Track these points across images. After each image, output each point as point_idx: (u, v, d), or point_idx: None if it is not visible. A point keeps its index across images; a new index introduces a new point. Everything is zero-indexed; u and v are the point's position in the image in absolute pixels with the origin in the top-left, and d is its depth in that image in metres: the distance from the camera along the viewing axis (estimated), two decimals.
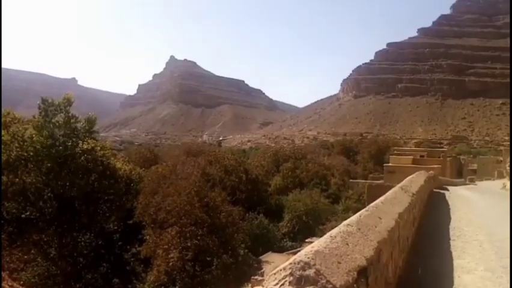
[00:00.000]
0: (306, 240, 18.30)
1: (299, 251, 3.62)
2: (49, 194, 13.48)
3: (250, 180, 23.81)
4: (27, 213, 13.06)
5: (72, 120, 13.74)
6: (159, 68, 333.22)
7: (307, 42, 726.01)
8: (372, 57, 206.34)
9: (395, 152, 43.19)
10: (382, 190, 9.17)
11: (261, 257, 16.90)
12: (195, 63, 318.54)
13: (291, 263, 2.06)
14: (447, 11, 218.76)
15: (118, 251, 14.99)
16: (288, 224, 22.09)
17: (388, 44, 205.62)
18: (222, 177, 21.79)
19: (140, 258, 14.07)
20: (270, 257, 16.95)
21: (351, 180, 37.11)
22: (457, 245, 7.83)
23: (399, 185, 8.76)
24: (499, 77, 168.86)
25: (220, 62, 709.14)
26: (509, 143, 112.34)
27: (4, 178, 12.51)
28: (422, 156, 39.08)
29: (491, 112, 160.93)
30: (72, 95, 14.23)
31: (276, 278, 1.98)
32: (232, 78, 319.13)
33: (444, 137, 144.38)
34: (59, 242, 13.49)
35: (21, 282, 12.19)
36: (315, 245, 2.48)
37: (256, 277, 14.14)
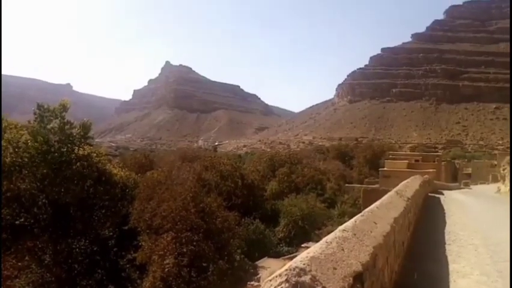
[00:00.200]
0: (302, 245, 18.32)
1: (295, 256, 3.62)
2: (44, 200, 13.40)
3: (246, 185, 23.77)
4: (22, 219, 12.95)
5: (67, 127, 13.68)
6: (154, 73, 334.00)
7: (302, 47, 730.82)
8: (367, 62, 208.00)
9: (390, 156, 43.48)
10: (377, 194, 9.21)
11: (257, 262, 16.85)
12: (190, 68, 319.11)
13: (286, 269, 2.06)
14: (440, 16, 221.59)
15: (113, 258, 14.87)
16: (284, 229, 22.07)
17: (382, 49, 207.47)
18: (218, 182, 21.75)
19: (135, 265, 13.97)
20: (266, 262, 16.91)
21: (346, 184, 37.25)
22: (452, 250, 7.88)
23: (395, 189, 8.79)
24: (492, 82, 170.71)
25: (216, 67, 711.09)
26: (503, 147, 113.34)
27: None
28: (417, 160, 39.38)
29: (485, 116, 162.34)
30: (68, 101, 14.20)
31: (272, 285, 1.98)
32: (228, 84, 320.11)
33: (439, 142, 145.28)
34: (53, 249, 13.38)
35: None
36: (311, 250, 2.50)
37: (252, 283, 14.11)
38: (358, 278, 2.50)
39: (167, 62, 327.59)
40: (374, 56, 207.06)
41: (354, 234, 3.25)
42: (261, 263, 16.88)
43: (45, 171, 13.44)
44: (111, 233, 15.40)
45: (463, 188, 38.24)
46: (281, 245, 20.72)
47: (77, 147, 14.21)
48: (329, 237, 2.96)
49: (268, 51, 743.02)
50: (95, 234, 14.85)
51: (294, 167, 33.87)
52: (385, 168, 33.12)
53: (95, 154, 15.07)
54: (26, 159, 12.92)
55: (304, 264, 2.14)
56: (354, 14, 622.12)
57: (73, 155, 14.09)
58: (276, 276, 2.02)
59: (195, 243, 13.50)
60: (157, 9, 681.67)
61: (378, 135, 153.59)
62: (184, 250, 13.30)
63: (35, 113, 13.81)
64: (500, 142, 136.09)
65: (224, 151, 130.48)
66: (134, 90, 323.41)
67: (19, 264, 13.07)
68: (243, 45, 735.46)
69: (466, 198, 22.28)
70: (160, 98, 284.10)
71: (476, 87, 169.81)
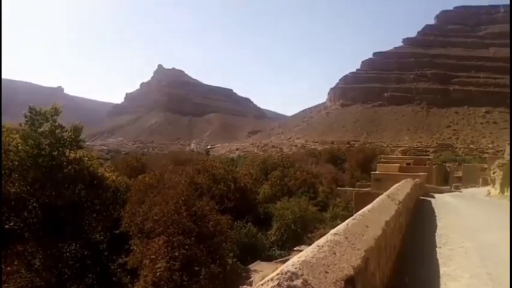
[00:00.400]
0: (295, 249, 18.33)
1: (288, 259, 3.61)
2: (34, 204, 13.25)
3: (239, 189, 23.74)
4: (11, 223, 12.79)
5: (58, 130, 13.57)
6: (147, 76, 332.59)
7: (294, 52, 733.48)
8: (359, 67, 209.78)
9: (382, 160, 43.74)
10: (369, 198, 9.24)
11: (249, 266, 16.81)
12: (182, 72, 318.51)
13: (278, 274, 2.06)
14: (431, 21, 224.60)
15: (105, 262, 14.73)
16: (277, 232, 22.06)
17: (374, 54, 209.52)
18: (210, 185, 21.69)
19: (127, 269, 13.85)
20: (259, 265, 16.87)
21: (338, 188, 37.33)
22: (443, 252, 7.93)
23: (386, 193, 8.84)
24: (482, 86, 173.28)
25: (208, 70, 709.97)
26: (493, 150, 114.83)
27: None
28: (408, 164, 39.66)
29: (475, 120, 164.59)
30: (60, 105, 14.11)
31: None
32: (220, 87, 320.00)
33: (430, 145, 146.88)
34: (43, 253, 13.21)
35: None
36: (303, 254, 2.50)
37: (244, 286, 14.06)
38: (350, 281, 2.50)
39: (160, 66, 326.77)
40: (366, 60, 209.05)
41: (346, 238, 3.25)
42: (254, 266, 16.84)
43: (35, 174, 13.31)
44: (102, 237, 15.27)
45: (454, 191, 38.61)
46: (273, 248, 20.69)
47: (68, 151, 14.09)
48: (320, 241, 2.96)
49: (261, 55, 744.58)
50: (86, 238, 14.71)
51: (286, 170, 33.93)
52: (377, 172, 33.28)
53: (86, 158, 14.95)
54: (16, 163, 12.77)
55: (296, 268, 2.14)
56: (346, 19, 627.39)
57: (64, 158, 13.97)
58: (268, 281, 2.02)
59: (186, 247, 13.43)
60: (149, 13, 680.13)
61: (370, 139, 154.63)
62: (176, 254, 13.22)
63: (25, 116, 13.70)
64: (491, 146, 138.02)
65: (217, 154, 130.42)
66: (127, 94, 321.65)
67: (8, 269, 12.86)
68: (236, 49, 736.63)
69: (456, 201, 22.48)
70: (153, 102, 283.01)
71: (467, 92, 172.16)
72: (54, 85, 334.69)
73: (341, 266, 2.57)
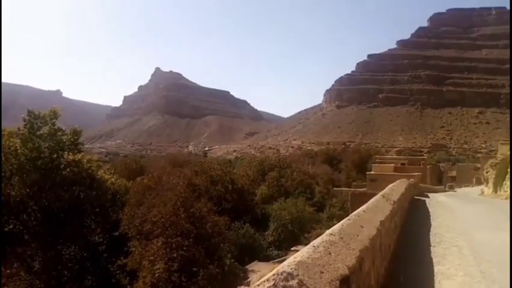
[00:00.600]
0: (292, 249, 18.42)
1: (285, 259, 3.72)
2: (33, 207, 13.27)
3: (236, 190, 23.77)
4: (11, 226, 12.81)
5: (59, 133, 13.62)
6: (144, 79, 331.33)
7: (291, 54, 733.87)
8: (354, 69, 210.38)
9: (377, 160, 43.99)
10: (365, 198, 9.35)
11: (247, 266, 16.86)
12: (180, 74, 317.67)
13: (274, 274, 2.07)
14: (424, 23, 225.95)
15: (104, 264, 14.74)
16: (274, 233, 22.13)
17: (369, 56, 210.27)
18: (208, 187, 21.72)
19: (126, 271, 13.89)
20: (256, 266, 16.95)
21: (335, 188, 37.48)
22: (437, 251, 8.00)
23: (381, 193, 8.81)
24: (475, 87, 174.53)
25: (206, 73, 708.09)
26: (486, 150, 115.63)
27: None
28: (403, 164, 39.90)
29: (468, 121, 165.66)
30: (59, 109, 14.16)
31: None
32: (218, 89, 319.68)
33: (424, 145, 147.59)
34: (43, 255, 13.23)
35: None
36: (298, 255, 2.49)
37: (242, 287, 14.16)
38: (345, 281, 2.50)
39: (158, 69, 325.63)
40: (361, 62, 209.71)
41: (341, 238, 3.25)
42: (251, 266, 16.91)
43: (34, 176, 13.34)
44: (101, 239, 15.28)
45: (448, 191, 38.93)
46: (271, 248, 20.76)
47: (67, 153, 14.14)
48: (316, 242, 2.96)
49: (257, 58, 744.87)
50: (85, 240, 14.72)
51: (283, 171, 33.98)
52: (372, 172, 33.51)
53: (85, 160, 14.99)
54: (15, 166, 12.81)
55: (291, 268, 2.15)
56: (341, 22, 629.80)
57: (63, 160, 14.01)
58: (264, 281, 2.02)
59: (185, 248, 13.51)
60: (146, 16, 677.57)
61: (365, 140, 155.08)
62: (175, 255, 13.29)
63: (24, 120, 13.73)
64: (484, 146, 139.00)
65: (214, 156, 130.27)
66: (125, 97, 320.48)
67: (7, 271, 12.87)
68: (233, 51, 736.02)
69: (450, 200, 22.70)
70: (150, 104, 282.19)
71: (460, 92, 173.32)
72: (53, 88, 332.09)
73: (336, 266, 2.57)
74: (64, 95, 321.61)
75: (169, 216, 14.03)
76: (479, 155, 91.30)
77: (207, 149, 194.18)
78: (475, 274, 6.27)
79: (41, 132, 13.73)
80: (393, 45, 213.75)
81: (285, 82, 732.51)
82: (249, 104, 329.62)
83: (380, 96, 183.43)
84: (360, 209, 5.46)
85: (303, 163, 55.22)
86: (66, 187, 13.87)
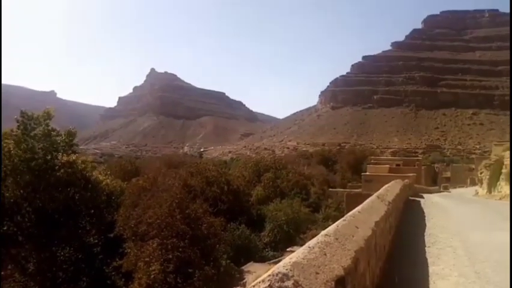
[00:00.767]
0: (288, 249, 18.44)
1: (281, 260, 3.72)
2: (27, 208, 13.18)
3: (232, 191, 23.74)
4: (5, 228, 12.71)
5: (54, 133, 13.54)
6: (139, 80, 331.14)
7: (286, 56, 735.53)
8: (349, 70, 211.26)
9: (372, 161, 44.20)
10: (360, 198, 9.37)
11: (243, 267, 16.85)
12: (175, 75, 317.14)
13: (270, 275, 2.07)
14: (418, 25, 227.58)
15: (99, 265, 14.67)
16: (270, 234, 22.14)
17: (364, 57, 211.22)
18: (204, 188, 21.68)
19: (121, 272, 13.84)
20: (252, 267, 16.94)
21: (330, 189, 37.61)
22: (432, 252, 8.00)
23: (376, 193, 8.83)
24: (469, 88, 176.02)
25: (201, 74, 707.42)
26: (480, 151, 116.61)
27: None
28: (398, 165, 40.11)
29: (462, 122, 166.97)
30: (52, 109, 14.08)
31: None
32: (213, 91, 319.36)
33: (419, 146, 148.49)
34: (37, 257, 13.14)
35: None
36: (294, 256, 2.50)
37: None
38: (340, 282, 2.50)
39: (153, 69, 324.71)
40: (356, 63, 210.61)
41: (336, 239, 3.25)
42: (247, 267, 16.91)
43: (28, 177, 13.25)
44: (96, 240, 15.20)
45: (443, 192, 39.25)
46: (267, 249, 20.77)
47: (61, 155, 14.06)
48: (311, 242, 2.97)
49: (253, 59, 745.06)
50: (80, 241, 14.64)
51: (279, 172, 34.00)
52: (367, 173, 33.69)
53: (80, 161, 14.92)
54: (9, 167, 12.71)
55: (287, 269, 2.15)
56: (336, 24, 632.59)
57: (57, 162, 13.92)
58: (260, 282, 2.02)
59: (180, 249, 13.48)
60: (142, 17, 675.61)
61: (360, 141, 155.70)
62: (170, 256, 13.26)
63: (17, 121, 13.64)
64: (477, 146, 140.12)
65: (210, 157, 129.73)
66: (119, 97, 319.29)
67: (2, 273, 12.77)
68: (228, 52, 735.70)
69: (445, 201, 22.83)
70: (146, 105, 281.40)
71: (454, 94, 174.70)
72: (47, 89, 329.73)
73: (332, 267, 2.57)
74: (58, 95, 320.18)
75: (165, 218, 14.00)
76: (473, 156, 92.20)
77: (202, 150, 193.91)
78: (470, 274, 6.28)
79: (35, 132, 13.64)
80: (388, 47, 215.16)
81: (280, 83, 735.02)
82: (244, 105, 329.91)
83: (375, 97, 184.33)
84: (356, 209, 5.46)
85: (298, 164, 55.27)
86: (60, 188, 13.79)
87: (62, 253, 14.01)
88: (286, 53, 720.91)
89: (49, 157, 13.59)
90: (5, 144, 12.97)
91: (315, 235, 3.50)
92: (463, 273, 6.38)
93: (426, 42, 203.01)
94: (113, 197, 16.43)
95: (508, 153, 26.69)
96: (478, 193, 32.48)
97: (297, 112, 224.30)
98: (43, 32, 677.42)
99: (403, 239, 9.14)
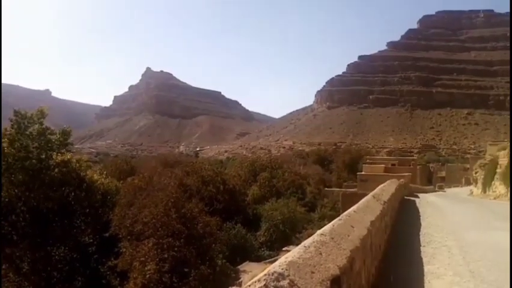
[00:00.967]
0: (283, 249, 18.48)
1: (276, 259, 3.71)
2: (22, 208, 13.09)
3: (228, 190, 23.71)
4: None
5: (48, 131, 13.46)
6: (135, 79, 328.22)
7: (282, 55, 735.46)
8: (345, 70, 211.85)
9: (368, 160, 44.35)
10: (356, 198, 9.39)
11: (238, 267, 16.86)
12: (171, 74, 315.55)
13: (265, 274, 2.07)
14: (414, 25, 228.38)
15: (94, 265, 14.62)
16: (266, 233, 22.15)
17: (359, 57, 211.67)
18: (199, 187, 21.64)
19: (116, 272, 13.80)
20: (248, 266, 16.96)
21: (326, 188, 37.71)
22: (427, 251, 8.06)
23: (372, 193, 8.87)
24: (464, 88, 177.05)
25: (197, 73, 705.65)
26: (475, 151, 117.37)
27: None
28: (393, 164, 40.30)
29: (457, 122, 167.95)
30: (46, 108, 13.99)
31: None
32: (209, 90, 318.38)
33: (414, 146, 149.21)
34: (32, 257, 13.06)
35: None
36: (289, 255, 2.50)
37: (233, 287, 14.14)
38: (335, 281, 2.51)
39: (148, 68, 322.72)
40: (352, 63, 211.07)
41: (332, 238, 3.25)
42: (243, 267, 16.92)
43: (21, 177, 13.17)
44: (91, 240, 15.14)
45: (438, 191, 39.48)
46: (262, 249, 20.78)
47: (55, 153, 13.98)
48: (307, 242, 2.96)
49: (249, 58, 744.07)
50: (75, 241, 14.57)
51: (275, 171, 34.00)
52: (363, 172, 33.80)
53: (74, 160, 14.84)
54: (3, 166, 12.62)
55: (282, 269, 2.15)
56: (332, 23, 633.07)
57: (52, 161, 13.84)
58: (255, 282, 2.01)
59: (176, 249, 13.45)
60: (137, 16, 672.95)
61: (356, 140, 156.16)
62: (166, 256, 13.23)
63: (11, 120, 13.55)
64: (472, 146, 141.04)
65: (206, 157, 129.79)
66: (115, 96, 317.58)
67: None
68: (224, 52, 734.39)
69: (440, 200, 22.97)
70: (141, 104, 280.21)
71: (449, 94, 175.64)
72: (42, 88, 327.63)
73: (327, 266, 2.58)
74: (53, 94, 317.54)
75: (160, 217, 13.97)
76: (468, 155, 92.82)
77: (198, 149, 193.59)
78: (464, 273, 6.32)
79: (30, 131, 13.56)
80: (384, 47, 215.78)
81: (276, 83, 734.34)
82: (240, 105, 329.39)
83: (371, 97, 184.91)
84: (351, 209, 5.47)
85: (294, 164, 55.40)
86: (55, 187, 13.71)
87: (57, 252, 13.93)
88: (283, 52, 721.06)
89: (43, 156, 13.51)
90: None
91: (311, 234, 3.50)
92: (457, 272, 6.42)
93: (421, 42, 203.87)
94: (108, 196, 16.36)
95: (502, 153, 26.89)
96: (472, 193, 32.70)
97: (293, 112, 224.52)
98: (38, 30, 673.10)
99: (398, 239, 9.18)
